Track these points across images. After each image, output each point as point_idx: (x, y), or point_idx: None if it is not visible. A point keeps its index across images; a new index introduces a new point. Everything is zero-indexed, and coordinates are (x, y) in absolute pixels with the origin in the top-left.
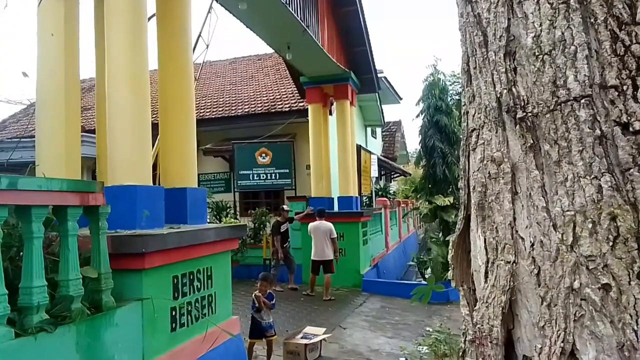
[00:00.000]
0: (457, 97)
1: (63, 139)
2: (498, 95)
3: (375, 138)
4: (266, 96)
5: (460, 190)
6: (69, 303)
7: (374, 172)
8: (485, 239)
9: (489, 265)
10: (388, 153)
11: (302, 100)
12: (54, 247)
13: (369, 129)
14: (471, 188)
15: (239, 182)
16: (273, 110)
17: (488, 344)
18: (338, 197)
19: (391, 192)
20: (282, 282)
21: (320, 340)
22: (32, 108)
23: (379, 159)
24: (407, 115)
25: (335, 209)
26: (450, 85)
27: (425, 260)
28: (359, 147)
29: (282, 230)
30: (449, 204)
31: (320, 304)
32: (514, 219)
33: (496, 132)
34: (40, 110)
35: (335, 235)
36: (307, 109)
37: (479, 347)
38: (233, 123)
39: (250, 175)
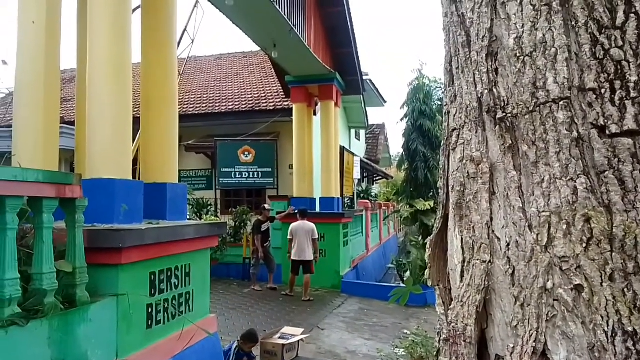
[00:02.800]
0: (439, 102)
1: (41, 130)
2: (479, 96)
3: (359, 140)
4: (251, 94)
5: (440, 190)
6: (42, 297)
7: (357, 173)
8: (462, 239)
9: (465, 264)
10: (371, 155)
11: (286, 99)
12: (28, 239)
13: (352, 131)
14: (450, 188)
15: (220, 179)
16: (257, 109)
17: (462, 343)
18: (320, 198)
19: (373, 194)
20: (262, 281)
21: (298, 341)
22: (10, 97)
23: (361, 161)
24: (391, 118)
25: (317, 209)
26: (434, 90)
27: (405, 263)
28: (342, 149)
29: (263, 230)
30: (429, 208)
31: (299, 305)
32: (491, 219)
33: (476, 132)
34: (19, 100)
35: (317, 236)
36: (292, 108)
37: (453, 346)
38: (216, 120)
39: (233, 173)
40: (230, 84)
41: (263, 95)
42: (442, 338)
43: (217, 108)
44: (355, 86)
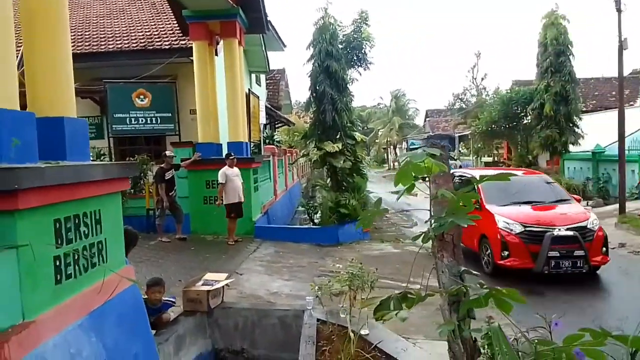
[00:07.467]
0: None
1: None
2: None
3: (260, 85)
4: (142, 31)
5: None
6: None
7: (263, 118)
8: None
9: None
10: (272, 102)
11: (183, 38)
12: None
13: (253, 75)
14: None
15: (113, 126)
16: (150, 48)
17: None
18: (228, 143)
19: (277, 140)
20: (169, 232)
21: (223, 287)
22: None
23: (265, 106)
24: (291, 64)
25: (225, 154)
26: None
27: (315, 205)
28: (248, 91)
29: (167, 178)
30: (337, 150)
31: (212, 252)
32: None
33: None
34: None
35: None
36: (190, 48)
37: None
38: (103, 60)
39: (127, 119)
40: (116, 21)
41: (156, 33)
42: None
43: (102, 47)
44: (259, 24)
